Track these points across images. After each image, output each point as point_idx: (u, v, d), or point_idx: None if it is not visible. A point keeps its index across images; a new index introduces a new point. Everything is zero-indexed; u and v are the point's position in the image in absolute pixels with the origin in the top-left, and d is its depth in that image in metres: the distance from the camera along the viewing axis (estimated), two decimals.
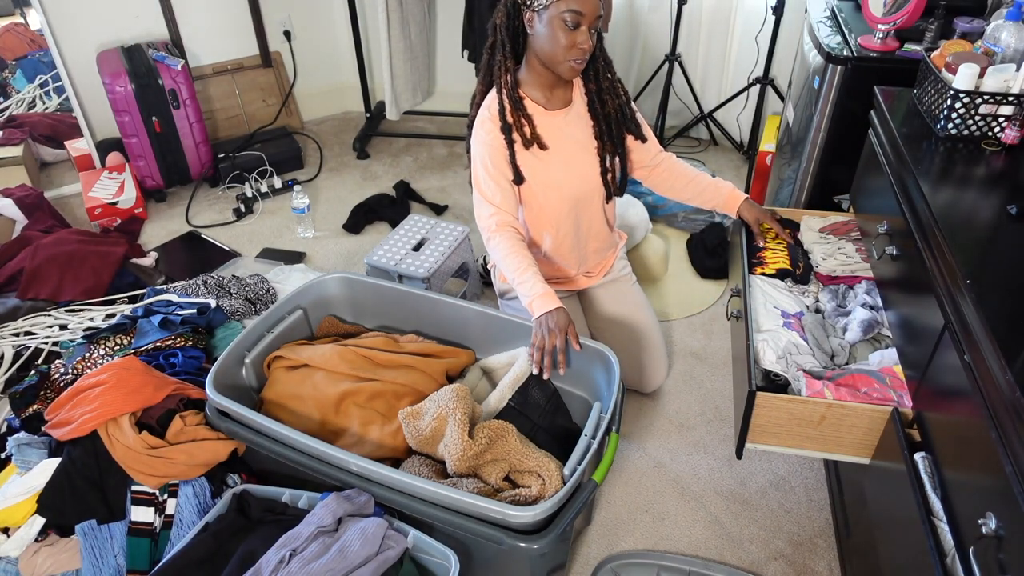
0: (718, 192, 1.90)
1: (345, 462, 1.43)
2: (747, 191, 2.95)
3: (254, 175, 3.13)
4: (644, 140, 1.86)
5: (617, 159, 1.83)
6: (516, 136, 1.71)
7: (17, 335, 2.25)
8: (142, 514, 1.54)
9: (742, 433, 1.45)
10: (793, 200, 2.21)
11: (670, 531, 1.79)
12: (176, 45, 3.11)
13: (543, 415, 1.71)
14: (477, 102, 1.78)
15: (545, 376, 1.58)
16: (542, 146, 1.73)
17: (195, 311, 2.04)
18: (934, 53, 1.65)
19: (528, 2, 1.59)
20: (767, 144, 2.72)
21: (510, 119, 1.69)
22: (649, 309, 2.08)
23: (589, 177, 1.82)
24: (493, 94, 1.72)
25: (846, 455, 1.43)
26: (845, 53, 1.90)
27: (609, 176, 1.84)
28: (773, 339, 1.52)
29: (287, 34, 3.42)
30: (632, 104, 1.84)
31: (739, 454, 1.47)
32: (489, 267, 2.07)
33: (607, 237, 2.00)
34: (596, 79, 1.75)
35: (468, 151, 1.80)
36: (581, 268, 2.01)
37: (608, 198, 1.90)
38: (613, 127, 1.79)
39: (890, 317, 1.49)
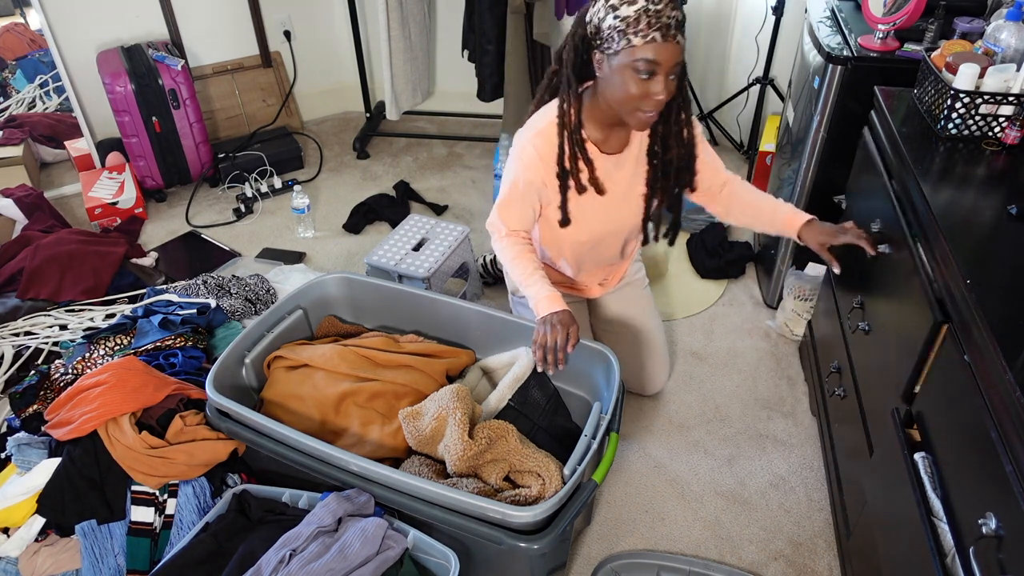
0: (776, 218, 1.70)
1: (345, 462, 1.43)
2: None
3: (254, 175, 3.13)
4: (693, 189, 1.73)
5: (664, 207, 1.71)
6: (571, 182, 1.61)
7: (17, 335, 2.25)
8: (142, 514, 1.54)
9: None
10: (793, 200, 2.21)
11: (670, 531, 1.79)
12: (176, 45, 3.11)
13: (543, 415, 1.71)
14: (531, 111, 1.65)
15: (550, 372, 1.55)
16: (599, 191, 1.63)
17: (195, 311, 2.04)
18: (934, 53, 1.65)
19: (597, 43, 1.43)
20: (767, 144, 2.72)
21: (567, 164, 1.57)
22: (655, 313, 2.06)
23: (627, 222, 1.73)
24: (549, 122, 1.56)
25: None
26: (845, 53, 1.90)
27: (651, 223, 1.75)
28: None
29: (287, 34, 3.42)
30: (698, 143, 1.66)
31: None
32: (499, 265, 2.02)
33: (629, 254, 1.95)
34: (666, 122, 1.58)
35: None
36: (594, 281, 1.98)
37: (645, 242, 1.82)
38: (672, 176, 1.66)
39: (887, 317, 1.49)
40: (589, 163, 1.59)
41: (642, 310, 2.03)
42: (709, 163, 1.72)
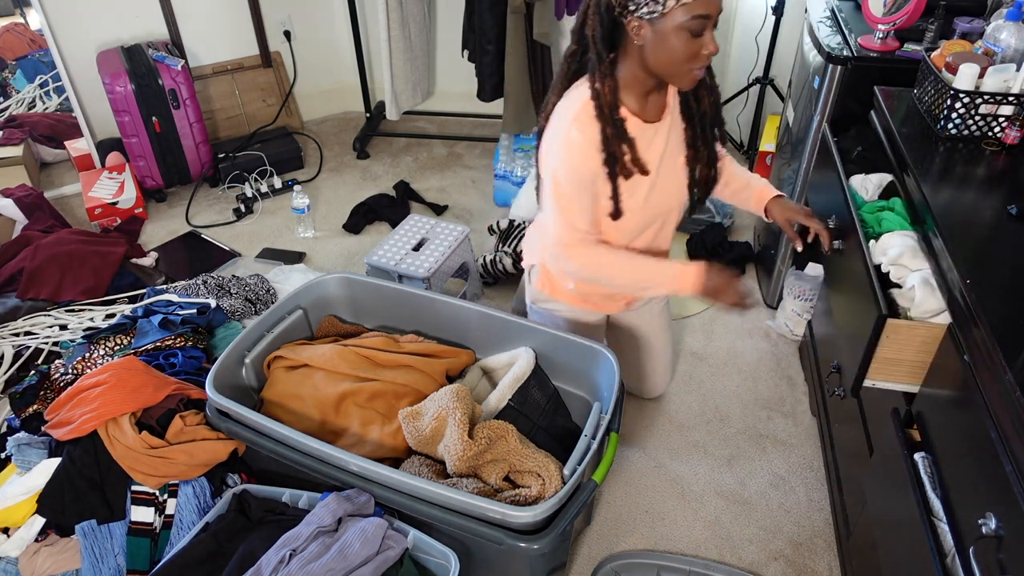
0: (749, 192, 1.70)
1: (345, 462, 1.43)
2: None
3: (254, 175, 3.13)
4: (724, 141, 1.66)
5: (709, 166, 1.62)
6: (617, 167, 1.49)
7: (17, 335, 2.25)
8: (142, 514, 1.54)
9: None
10: (793, 200, 2.21)
11: (670, 531, 1.79)
12: (176, 45, 3.11)
13: (543, 415, 1.71)
14: (548, 112, 1.54)
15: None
16: (643, 172, 1.51)
17: (195, 311, 2.04)
18: (934, 53, 1.65)
19: (632, 8, 1.33)
20: (767, 144, 2.72)
21: (613, 147, 1.46)
22: (668, 326, 2.01)
23: (677, 193, 1.62)
24: (584, 102, 1.45)
25: None
26: (845, 53, 1.90)
27: (697, 187, 1.64)
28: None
29: (287, 34, 3.42)
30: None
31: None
32: (524, 267, 1.88)
33: (670, 238, 1.81)
34: None
35: (537, 164, 1.59)
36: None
37: (693, 211, 1.73)
38: (708, 128, 1.58)
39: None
40: (630, 143, 1.48)
41: (656, 325, 1.97)
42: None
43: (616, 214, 1.53)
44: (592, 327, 1.87)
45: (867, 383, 1.33)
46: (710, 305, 1.42)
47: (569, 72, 1.51)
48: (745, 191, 1.72)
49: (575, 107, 1.46)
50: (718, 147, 1.66)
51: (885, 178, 1.60)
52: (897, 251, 1.34)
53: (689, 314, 2.44)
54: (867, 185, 1.61)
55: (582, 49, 1.46)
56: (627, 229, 1.60)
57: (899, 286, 1.33)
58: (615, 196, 1.51)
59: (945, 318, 1.23)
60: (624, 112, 1.47)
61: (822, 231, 1.55)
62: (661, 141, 1.54)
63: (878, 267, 1.37)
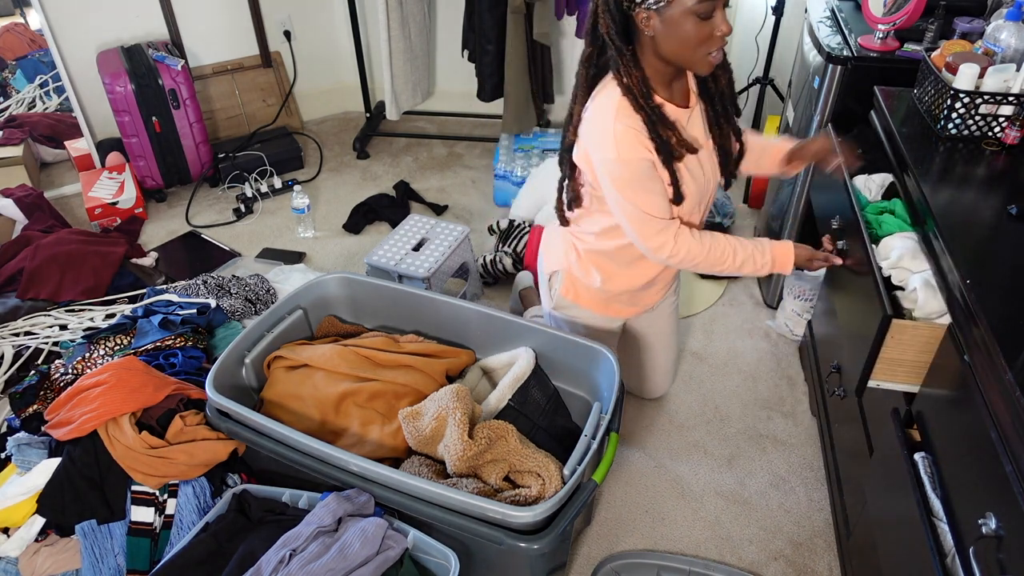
0: (767, 153, 1.71)
1: (345, 462, 1.43)
2: (747, 191, 2.95)
3: (254, 175, 3.13)
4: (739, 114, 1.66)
5: (735, 139, 1.62)
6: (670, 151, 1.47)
7: (17, 335, 2.25)
8: (142, 514, 1.54)
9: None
10: (793, 200, 2.21)
11: (670, 531, 1.79)
12: (176, 45, 3.11)
13: (543, 415, 1.71)
14: (576, 123, 1.52)
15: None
16: (692, 150, 1.49)
17: (195, 311, 2.04)
18: (934, 53, 1.65)
19: (639, 1, 1.33)
20: None
21: (663, 134, 1.45)
22: (676, 331, 2.01)
23: (713, 177, 1.61)
24: (619, 99, 1.43)
25: None
26: (845, 53, 1.90)
27: (727, 163, 1.64)
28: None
29: (287, 34, 3.42)
30: None
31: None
32: (548, 274, 1.85)
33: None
34: None
35: (565, 179, 1.60)
36: (657, 294, 1.85)
37: (727, 186, 1.72)
38: (728, 106, 1.58)
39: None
40: (672, 126, 1.47)
41: (664, 327, 1.96)
42: None
43: (678, 199, 1.51)
44: (611, 333, 1.87)
45: (871, 383, 1.33)
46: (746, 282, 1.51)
47: (588, 77, 1.49)
48: (764, 155, 1.72)
49: (611, 105, 1.44)
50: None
51: (887, 178, 1.60)
52: (898, 254, 1.34)
53: (690, 314, 2.44)
54: (870, 185, 1.61)
55: (598, 50, 1.45)
56: (682, 213, 1.58)
57: (902, 288, 1.33)
58: (674, 181, 1.49)
59: (946, 318, 1.23)
60: (658, 99, 1.46)
61: (843, 158, 1.58)
62: (697, 124, 1.54)
63: (881, 268, 1.37)
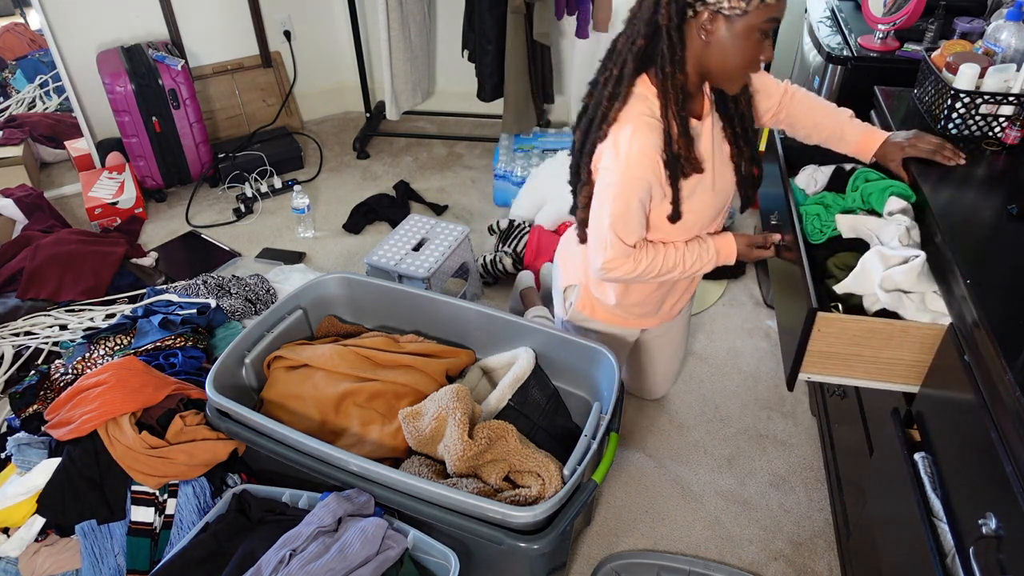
0: (842, 139, 1.58)
1: (345, 462, 1.43)
2: None
3: (254, 175, 3.13)
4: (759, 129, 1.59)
5: (753, 164, 1.58)
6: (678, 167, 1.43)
7: (17, 335, 2.25)
8: (142, 514, 1.54)
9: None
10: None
11: (670, 531, 1.79)
12: (176, 45, 3.11)
13: (543, 415, 1.71)
14: (613, 119, 1.40)
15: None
16: (698, 170, 1.45)
17: (195, 311, 2.04)
18: (934, 53, 1.65)
19: (710, 2, 1.26)
20: (767, 144, 2.72)
21: (676, 148, 1.39)
22: (684, 339, 2.01)
23: (725, 192, 1.57)
24: (646, 106, 1.38)
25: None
26: (845, 53, 1.90)
27: (745, 185, 1.60)
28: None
29: (287, 34, 3.42)
30: None
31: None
32: (564, 286, 1.82)
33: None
34: None
35: (578, 186, 1.51)
36: (677, 303, 1.83)
37: (743, 208, 1.69)
38: (749, 128, 1.53)
39: None
40: (690, 139, 1.41)
41: (675, 334, 1.96)
42: (758, 89, 1.58)
43: (675, 216, 1.47)
44: (627, 343, 1.87)
45: (801, 375, 1.36)
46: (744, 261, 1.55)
47: (634, 72, 1.38)
48: (833, 134, 1.60)
49: (633, 115, 1.39)
50: (776, 87, 1.60)
51: (832, 169, 1.63)
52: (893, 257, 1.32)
53: (690, 314, 2.44)
54: (817, 176, 1.63)
55: (651, 42, 1.34)
56: (686, 230, 1.54)
57: (834, 278, 1.37)
58: (676, 198, 1.45)
59: (946, 319, 1.23)
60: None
61: (943, 152, 1.45)
62: (708, 138, 1.49)
63: (812, 260, 1.40)
